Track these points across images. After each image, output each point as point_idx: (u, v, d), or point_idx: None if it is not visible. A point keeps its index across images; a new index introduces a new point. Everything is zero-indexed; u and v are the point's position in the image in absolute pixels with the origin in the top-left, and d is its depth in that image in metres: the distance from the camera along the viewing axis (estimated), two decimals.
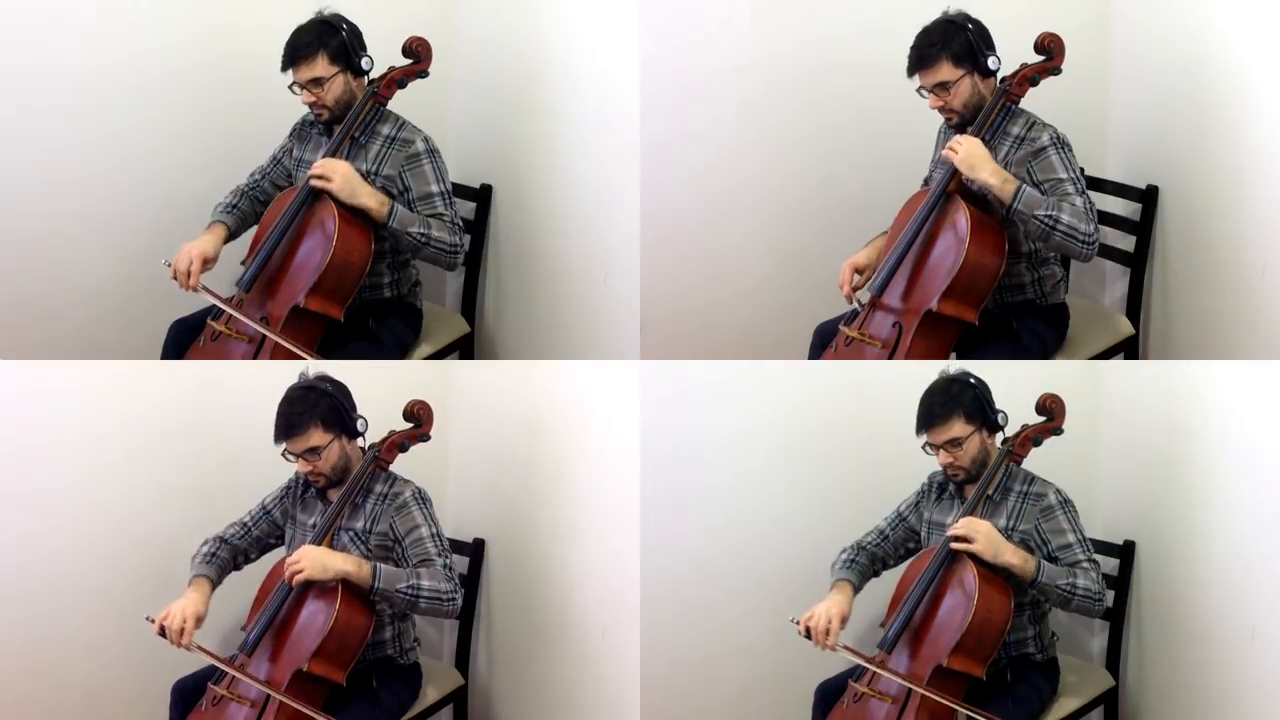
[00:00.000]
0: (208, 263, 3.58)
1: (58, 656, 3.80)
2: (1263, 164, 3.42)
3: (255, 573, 3.66)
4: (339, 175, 3.53)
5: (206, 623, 3.78)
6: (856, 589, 3.59)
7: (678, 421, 3.77)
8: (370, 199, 3.54)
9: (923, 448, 3.50)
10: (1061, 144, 3.43)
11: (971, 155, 3.38)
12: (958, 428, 3.46)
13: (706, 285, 3.98)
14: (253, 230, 3.69)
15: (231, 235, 3.68)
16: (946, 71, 3.43)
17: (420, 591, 3.46)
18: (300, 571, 3.42)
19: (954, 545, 3.39)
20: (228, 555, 3.65)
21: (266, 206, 3.73)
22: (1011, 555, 3.38)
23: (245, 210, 3.71)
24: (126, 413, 3.83)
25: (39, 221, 3.88)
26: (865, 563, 3.63)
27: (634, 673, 3.61)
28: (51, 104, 3.84)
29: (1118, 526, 3.84)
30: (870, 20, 3.87)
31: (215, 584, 3.60)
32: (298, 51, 3.57)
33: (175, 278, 3.56)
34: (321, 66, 3.57)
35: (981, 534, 3.38)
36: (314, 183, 3.53)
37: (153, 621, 3.46)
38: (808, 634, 3.46)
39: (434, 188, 3.62)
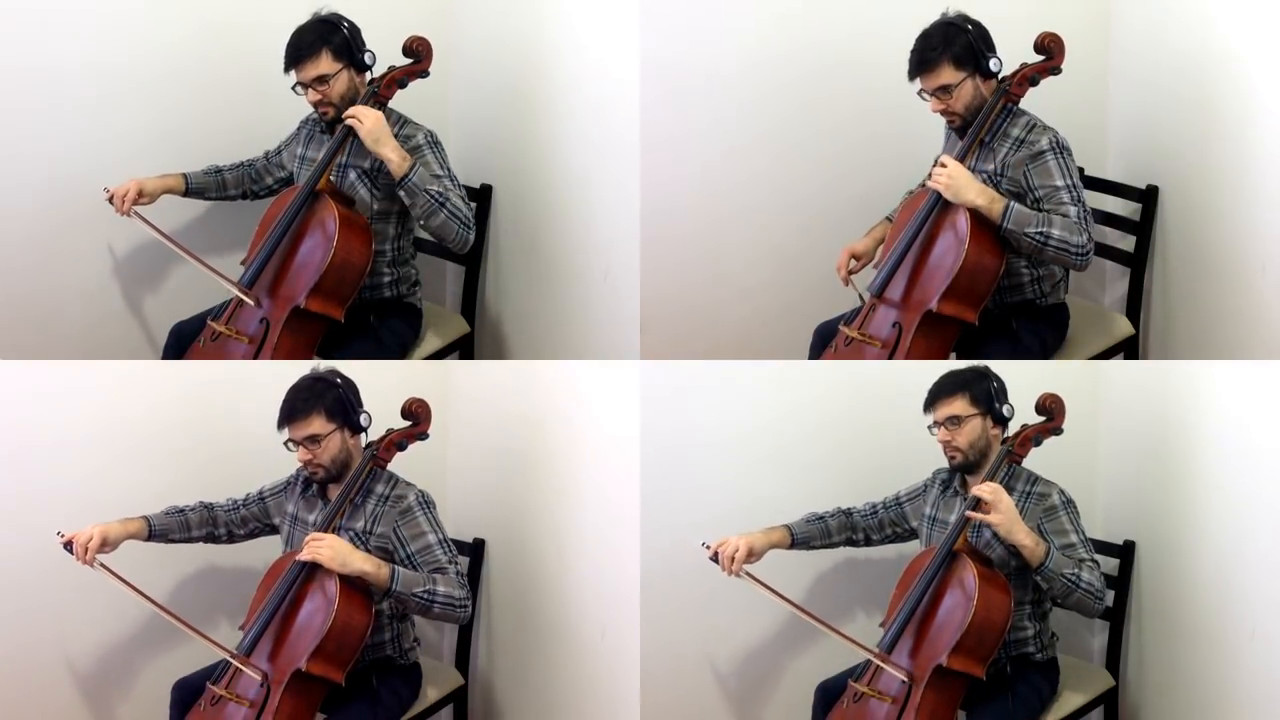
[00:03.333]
0: (143, 196, 3.69)
1: (58, 656, 3.80)
2: (1263, 164, 3.42)
3: (254, 572, 3.66)
4: (370, 118, 3.53)
5: (206, 620, 3.79)
6: (794, 539, 3.62)
7: (678, 421, 3.77)
8: (394, 151, 3.55)
9: (929, 429, 3.50)
10: (1061, 149, 3.43)
11: (955, 183, 3.38)
12: (959, 406, 3.46)
13: (706, 285, 3.97)
14: (253, 230, 3.69)
15: (190, 189, 3.78)
16: (948, 75, 3.43)
17: (435, 597, 3.46)
18: (319, 554, 3.41)
19: (971, 513, 3.39)
20: (197, 519, 3.65)
21: (253, 185, 3.83)
22: (1024, 536, 3.38)
23: (227, 179, 3.80)
24: (126, 413, 3.83)
25: (39, 221, 3.88)
26: (834, 525, 3.65)
27: (634, 673, 3.61)
28: (51, 104, 3.84)
29: (1118, 526, 3.84)
30: (871, 20, 3.87)
31: (154, 531, 3.61)
32: (300, 51, 3.58)
33: (111, 201, 3.65)
34: (325, 64, 3.58)
35: (1005, 505, 3.38)
36: (348, 120, 3.54)
37: (61, 535, 3.49)
38: (715, 558, 3.50)
39: (439, 171, 3.62)
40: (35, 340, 3.90)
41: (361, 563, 3.43)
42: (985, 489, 3.38)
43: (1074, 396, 3.57)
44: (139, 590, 3.48)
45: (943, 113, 3.47)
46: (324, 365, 3.58)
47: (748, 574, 3.50)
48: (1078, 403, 3.62)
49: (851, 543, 3.69)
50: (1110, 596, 3.75)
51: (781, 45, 3.90)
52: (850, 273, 3.60)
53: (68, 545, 3.50)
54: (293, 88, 3.61)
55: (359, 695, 3.56)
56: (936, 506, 3.60)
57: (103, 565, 3.48)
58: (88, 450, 3.80)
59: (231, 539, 3.70)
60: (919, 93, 3.46)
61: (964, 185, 3.38)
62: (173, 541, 3.66)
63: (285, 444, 3.52)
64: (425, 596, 3.46)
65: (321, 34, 3.58)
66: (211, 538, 3.69)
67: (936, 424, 3.49)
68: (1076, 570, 3.41)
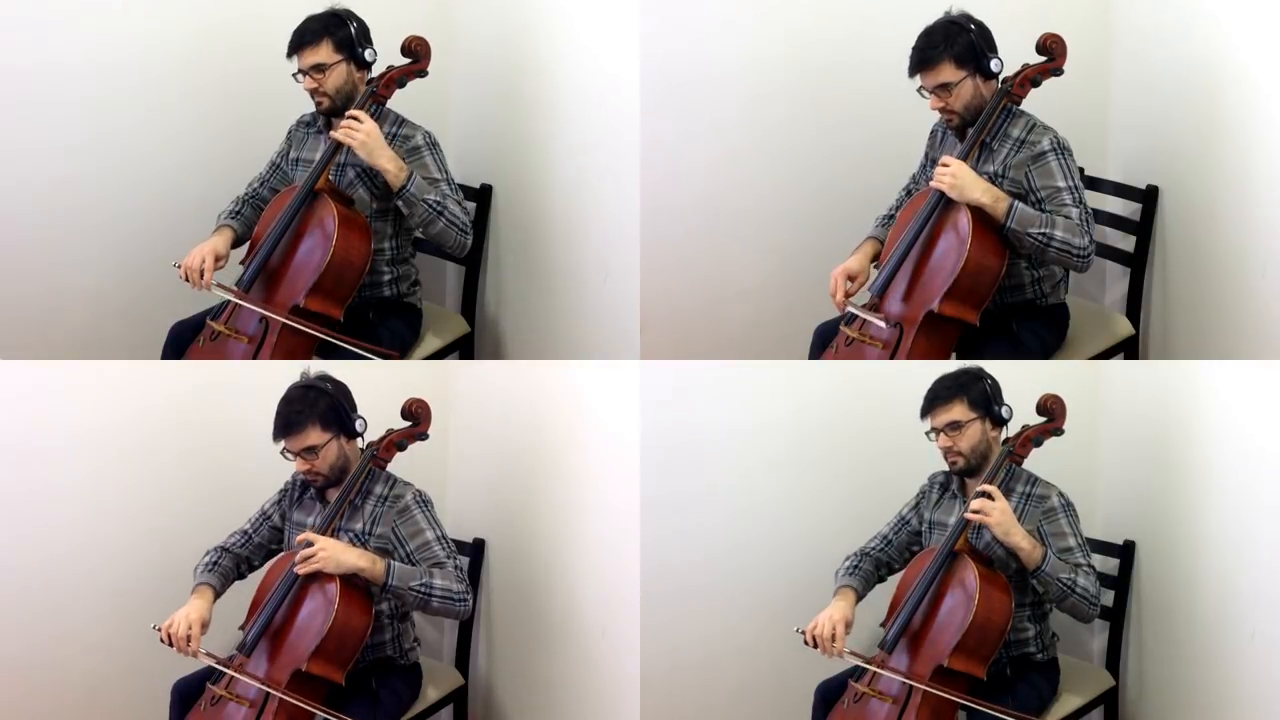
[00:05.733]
0: (219, 260, 3.61)
1: (58, 656, 3.80)
2: (1263, 164, 3.42)
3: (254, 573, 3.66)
4: (364, 131, 3.52)
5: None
6: (860, 595, 3.58)
7: (678, 421, 3.77)
8: (390, 162, 3.54)
9: (926, 434, 3.50)
10: (1061, 149, 3.43)
11: (960, 181, 3.38)
12: (958, 411, 3.46)
13: (706, 285, 3.97)
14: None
15: (239, 239, 3.70)
16: (949, 73, 3.42)
17: (433, 590, 3.46)
18: (314, 562, 3.41)
19: (970, 515, 3.39)
20: (230, 564, 3.64)
21: None
22: (1022, 539, 3.39)
23: (249, 217, 3.72)
24: (126, 413, 3.83)
25: (39, 221, 3.87)
26: (869, 569, 3.62)
27: (634, 673, 3.61)
28: (51, 104, 3.83)
29: (1118, 526, 3.84)
30: (871, 20, 3.88)
31: (218, 591, 3.59)
32: (304, 37, 3.58)
33: (186, 278, 3.57)
34: (325, 53, 3.57)
35: (998, 510, 3.38)
36: (340, 136, 3.52)
37: (158, 630, 3.46)
38: (814, 643, 3.46)
39: (437, 174, 3.62)
40: (35, 340, 3.90)
41: (356, 559, 3.43)
42: (977, 504, 3.39)
43: (1074, 397, 3.57)
44: (232, 668, 3.46)
45: (941, 110, 3.47)
46: (314, 370, 3.57)
47: (851, 653, 3.46)
48: (1078, 403, 3.62)
49: (884, 578, 3.67)
50: (1110, 596, 3.75)
51: (781, 45, 3.90)
52: (848, 294, 3.53)
53: (167, 641, 3.45)
54: (294, 75, 3.60)
55: (359, 695, 3.56)
56: (936, 509, 3.60)
57: (207, 654, 3.46)
58: (87, 450, 3.80)
59: (253, 569, 3.69)
60: (918, 90, 3.46)
61: (969, 184, 3.38)
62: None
63: (282, 454, 3.52)
64: (422, 590, 3.46)
65: (327, 24, 3.58)
66: (240, 575, 3.68)
67: (935, 430, 3.49)
68: (1073, 575, 3.42)
